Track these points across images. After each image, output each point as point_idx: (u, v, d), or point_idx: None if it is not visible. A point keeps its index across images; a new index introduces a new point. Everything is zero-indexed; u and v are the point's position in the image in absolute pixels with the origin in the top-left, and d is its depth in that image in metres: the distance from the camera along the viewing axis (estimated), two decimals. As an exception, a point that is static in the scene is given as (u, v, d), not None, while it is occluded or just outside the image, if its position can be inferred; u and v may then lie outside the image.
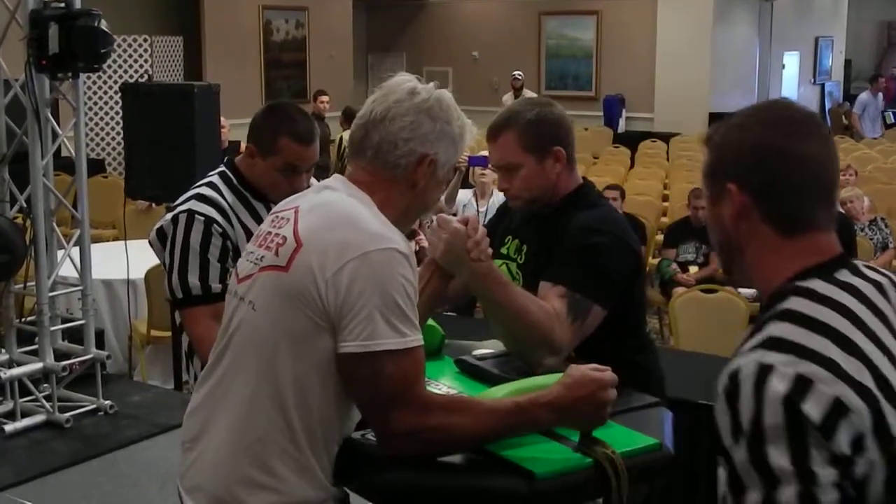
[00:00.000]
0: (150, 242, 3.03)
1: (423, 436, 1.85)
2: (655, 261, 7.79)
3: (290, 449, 1.88)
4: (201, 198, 2.93)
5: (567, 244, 2.51)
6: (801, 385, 1.32)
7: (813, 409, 1.30)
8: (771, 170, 1.51)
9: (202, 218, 2.87)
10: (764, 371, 1.34)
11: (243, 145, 3.84)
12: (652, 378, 2.67)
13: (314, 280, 1.82)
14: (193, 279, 2.83)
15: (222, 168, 3.05)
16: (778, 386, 1.32)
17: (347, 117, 11.18)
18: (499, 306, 2.35)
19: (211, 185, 2.98)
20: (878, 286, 1.52)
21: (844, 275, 1.50)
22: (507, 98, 13.38)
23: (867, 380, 1.36)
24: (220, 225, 2.87)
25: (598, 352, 2.33)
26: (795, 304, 1.44)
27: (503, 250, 2.68)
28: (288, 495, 1.88)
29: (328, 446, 1.92)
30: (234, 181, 2.99)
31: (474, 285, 2.35)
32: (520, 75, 13.76)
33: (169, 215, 2.95)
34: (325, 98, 11.65)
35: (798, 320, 1.41)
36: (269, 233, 1.98)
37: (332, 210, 1.94)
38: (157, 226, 2.97)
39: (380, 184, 1.98)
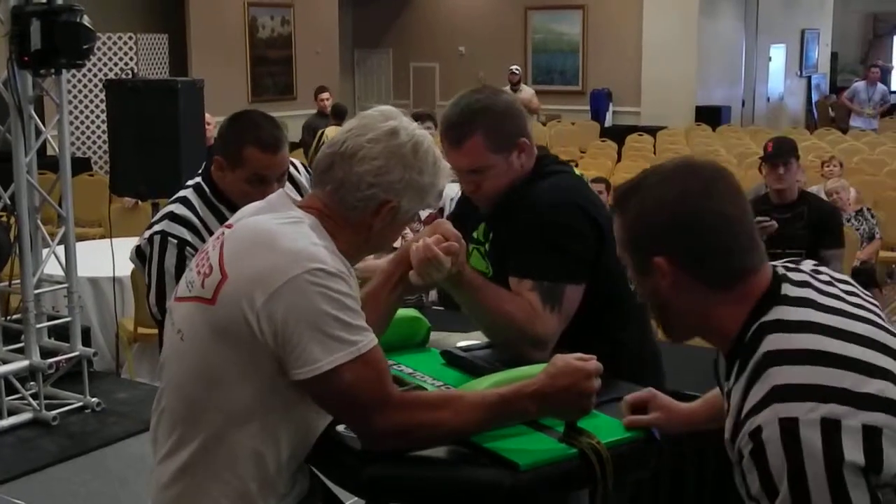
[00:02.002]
0: (131, 260, 3.01)
1: (408, 434, 1.84)
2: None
3: (225, 476, 1.85)
4: (174, 217, 2.87)
5: (521, 228, 2.39)
6: (831, 429, 1.30)
7: (853, 451, 1.29)
8: (697, 237, 1.50)
9: (175, 241, 2.82)
10: (789, 425, 1.32)
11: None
12: (640, 356, 2.54)
13: (244, 314, 1.76)
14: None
15: (198, 179, 2.97)
16: (811, 439, 1.30)
17: (336, 114, 11.18)
18: (476, 308, 2.31)
19: (185, 200, 2.91)
20: (822, 283, 1.53)
21: (789, 289, 1.51)
22: (507, 92, 13.29)
23: (874, 385, 1.34)
24: (192, 247, 2.82)
25: (579, 331, 2.32)
26: (776, 342, 1.43)
27: (475, 234, 2.56)
28: None
29: (279, 470, 1.89)
30: (209, 193, 2.91)
31: (451, 291, 2.30)
32: (517, 70, 13.72)
33: (146, 233, 2.91)
34: (325, 95, 11.62)
35: (792, 359, 1.39)
36: (206, 254, 1.91)
37: (251, 232, 1.87)
38: (136, 245, 2.94)
39: (334, 219, 1.90)
